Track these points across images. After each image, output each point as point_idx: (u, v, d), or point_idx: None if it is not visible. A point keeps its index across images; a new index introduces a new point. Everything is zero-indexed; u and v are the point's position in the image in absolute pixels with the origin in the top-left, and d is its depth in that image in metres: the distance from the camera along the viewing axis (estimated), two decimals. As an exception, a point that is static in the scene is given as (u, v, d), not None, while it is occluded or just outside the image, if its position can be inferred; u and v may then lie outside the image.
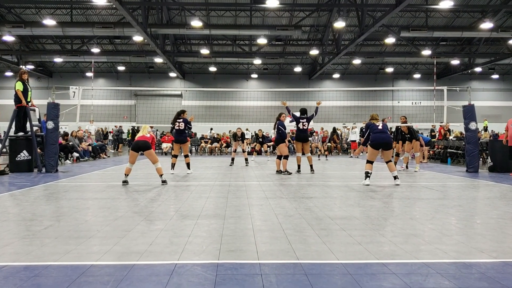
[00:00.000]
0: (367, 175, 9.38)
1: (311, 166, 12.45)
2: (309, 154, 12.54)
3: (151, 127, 9.42)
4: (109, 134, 29.08)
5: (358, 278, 3.26)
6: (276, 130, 12.46)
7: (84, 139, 19.30)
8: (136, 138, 9.76)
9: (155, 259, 3.74)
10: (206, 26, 24.68)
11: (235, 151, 16.61)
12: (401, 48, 31.93)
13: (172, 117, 12.48)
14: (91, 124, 25.04)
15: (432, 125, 21.92)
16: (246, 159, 16.22)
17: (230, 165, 15.39)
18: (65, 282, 3.15)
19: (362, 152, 10.21)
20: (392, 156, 10.75)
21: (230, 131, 23.63)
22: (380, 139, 9.48)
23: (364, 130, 10.10)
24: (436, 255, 3.87)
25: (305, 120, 12.27)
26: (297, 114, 12.70)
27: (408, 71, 37.38)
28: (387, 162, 9.61)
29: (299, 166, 12.50)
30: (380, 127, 9.61)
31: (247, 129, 22.40)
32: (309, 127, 12.62)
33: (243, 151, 16.70)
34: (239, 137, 16.72)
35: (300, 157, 12.53)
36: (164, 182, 9.35)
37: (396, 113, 31.26)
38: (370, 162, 9.52)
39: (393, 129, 14.59)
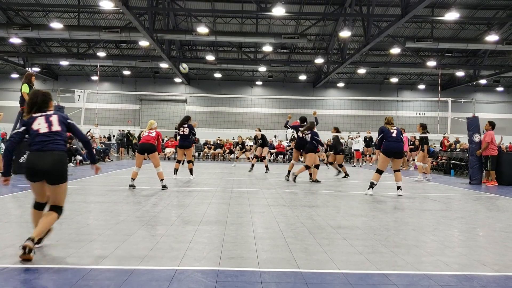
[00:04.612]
0: (372, 185, 9.20)
1: (310, 174, 12.42)
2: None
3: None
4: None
5: (358, 289, 3.24)
6: (310, 139, 12.15)
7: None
8: (141, 138, 9.74)
9: (155, 264, 3.73)
10: (212, 33, 24.75)
11: (254, 157, 16.72)
12: (406, 58, 31.91)
13: (177, 122, 12.53)
14: (95, 128, 25.09)
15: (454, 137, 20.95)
16: (267, 166, 16.17)
17: (250, 171, 15.58)
18: (65, 285, 3.15)
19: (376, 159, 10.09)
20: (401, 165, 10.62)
21: (239, 136, 23.49)
22: (393, 148, 9.22)
23: (378, 134, 9.75)
24: (437, 267, 3.86)
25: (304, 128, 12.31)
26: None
27: (413, 82, 37.34)
28: (395, 171, 9.40)
29: (289, 172, 12.48)
30: (394, 134, 9.27)
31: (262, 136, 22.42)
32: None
33: (248, 158, 16.75)
34: (259, 140, 16.71)
35: (293, 164, 12.60)
36: (164, 187, 9.33)
37: (400, 123, 31.07)
38: (380, 172, 9.28)
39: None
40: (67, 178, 4.13)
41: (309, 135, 11.96)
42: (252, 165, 16.26)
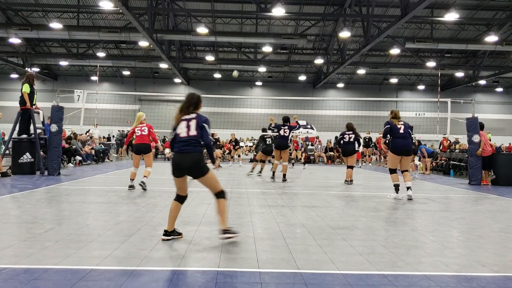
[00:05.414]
0: (397, 187, 8.78)
1: (284, 175, 12.33)
2: (286, 163, 12.48)
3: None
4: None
5: (358, 289, 3.24)
6: (353, 140, 12.07)
7: (88, 143, 19.34)
8: (135, 139, 9.62)
9: (155, 265, 3.73)
10: (212, 33, 24.75)
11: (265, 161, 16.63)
12: (406, 59, 31.93)
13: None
14: (95, 128, 25.11)
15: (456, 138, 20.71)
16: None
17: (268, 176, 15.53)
18: (64, 286, 3.15)
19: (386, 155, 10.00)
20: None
21: (232, 134, 23.38)
22: (401, 146, 8.78)
23: (384, 128, 9.12)
24: (437, 268, 3.86)
25: (286, 127, 12.33)
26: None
27: (412, 82, 37.37)
28: (403, 171, 8.97)
29: (273, 173, 12.57)
30: (401, 130, 8.83)
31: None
32: (290, 136, 12.78)
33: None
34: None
35: (277, 164, 12.67)
36: (142, 183, 9.07)
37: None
38: (394, 171, 8.96)
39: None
40: (207, 170, 4.72)
41: (353, 136, 11.98)
42: (261, 169, 16.23)
